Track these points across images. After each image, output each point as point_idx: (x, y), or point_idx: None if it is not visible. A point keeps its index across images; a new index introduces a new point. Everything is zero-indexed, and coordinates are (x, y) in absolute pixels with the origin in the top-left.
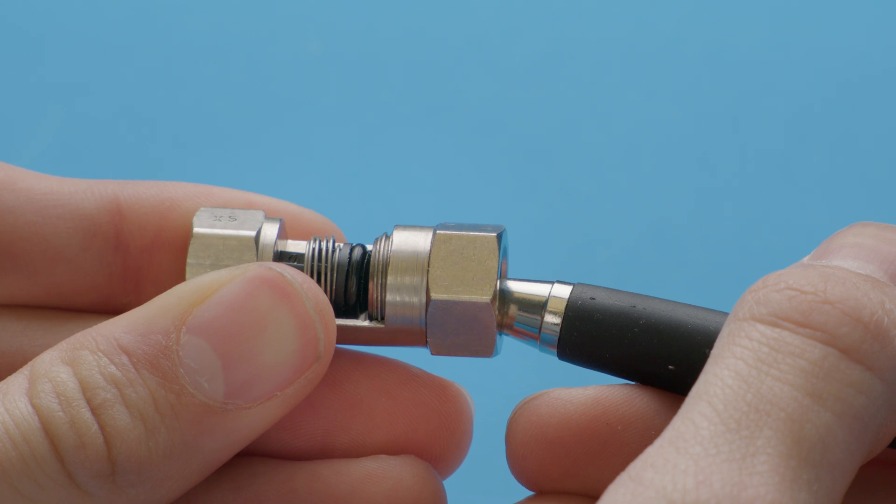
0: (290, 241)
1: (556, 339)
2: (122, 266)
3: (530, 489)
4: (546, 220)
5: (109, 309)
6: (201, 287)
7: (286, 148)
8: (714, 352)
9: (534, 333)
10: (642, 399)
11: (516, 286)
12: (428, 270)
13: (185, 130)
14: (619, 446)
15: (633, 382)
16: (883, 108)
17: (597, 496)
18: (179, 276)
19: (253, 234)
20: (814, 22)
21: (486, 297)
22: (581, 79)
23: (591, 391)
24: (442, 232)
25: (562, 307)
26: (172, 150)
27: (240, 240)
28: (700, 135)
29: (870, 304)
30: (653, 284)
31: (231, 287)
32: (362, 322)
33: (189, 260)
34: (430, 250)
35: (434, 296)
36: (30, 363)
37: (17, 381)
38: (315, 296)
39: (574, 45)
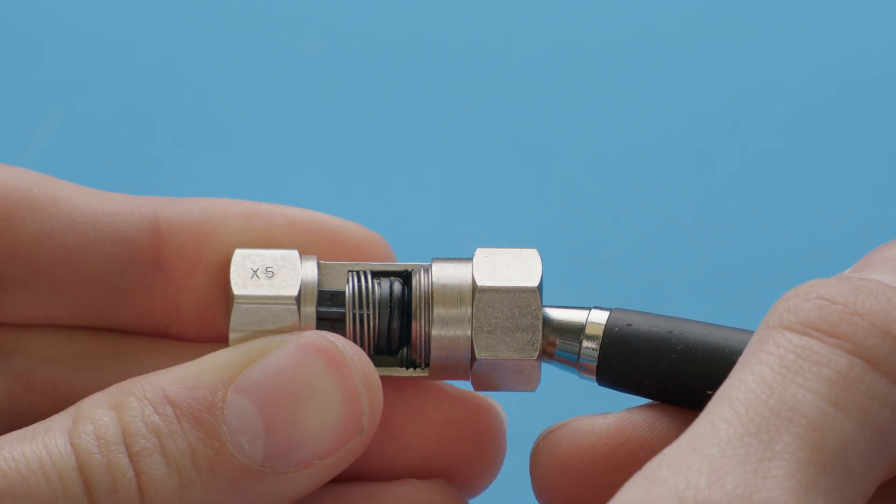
0: (328, 266)
1: (595, 366)
2: (162, 288)
3: None
4: (547, 220)
5: (152, 330)
6: (254, 348)
7: (286, 148)
8: (742, 358)
9: (572, 361)
10: (662, 422)
11: (555, 313)
12: (472, 325)
13: (185, 130)
14: None
15: (655, 403)
16: (883, 108)
17: None
18: (218, 298)
19: (293, 294)
20: (814, 22)
21: (532, 356)
22: (581, 79)
23: (612, 419)
24: (483, 284)
25: (599, 334)
26: (172, 150)
27: (281, 304)
28: (700, 135)
29: None
30: (654, 285)
31: (283, 351)
32: (407, 373)
33: (231, 326)
34: (473, 304)
35: (479, 356)
36: (77, 403)
37: (62, 419)
38: (364, 369)
39: (574, 45)
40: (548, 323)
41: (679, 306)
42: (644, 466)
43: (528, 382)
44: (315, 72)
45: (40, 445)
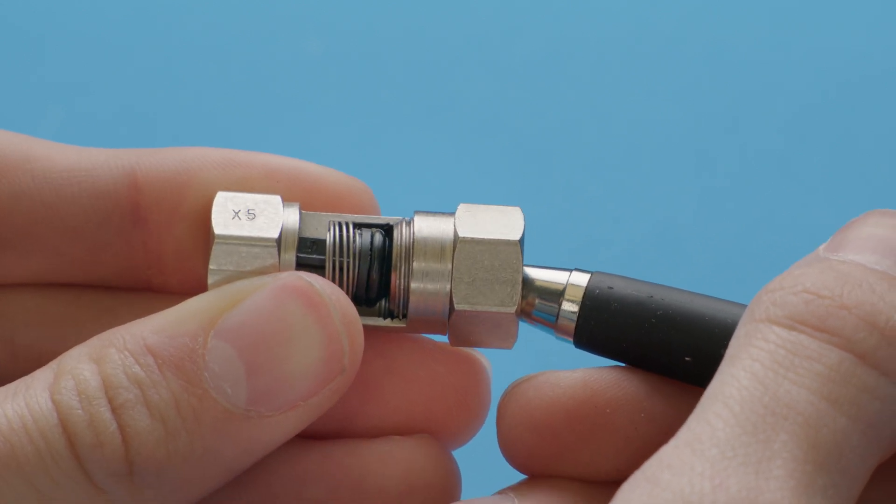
0: (310, 215)
1: (573, 327)
2: (142, 240)
3: (522, 473)
4: (547, 220)
5: (135, 283)
6: (232, 293)
7: (286, 148)
8: (729, 352)
9: (551, 322)
10: (631, 382)
11: (535, 273)
12: (452, 277)
13: (185, 130)
14: (608, 430)
15: (621, 365)
16: (883, 108)
17: (588, 479)
18: (199, 248)
19: (274, 236)
20: (814, 22)
21: (511, 309)
22: (581, 79)
23: (580, 374)
24: (465, 236)
25: (579, 296)
26: None
27: (262, 245)
28: (700, 135)
29: (886, 309)
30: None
31: (261, 294)
32: (384, 322)
33: (211, 266)
34: (453, 256)
35: (458, 307)
36: (59, 357)
37: (43, 375)
38: (343, 308)
39: (574, 45)
40: (528, 283)
41: None
42: (642, 466)
43: (505, 339)
44: (315, 72)
45: (22, 404)
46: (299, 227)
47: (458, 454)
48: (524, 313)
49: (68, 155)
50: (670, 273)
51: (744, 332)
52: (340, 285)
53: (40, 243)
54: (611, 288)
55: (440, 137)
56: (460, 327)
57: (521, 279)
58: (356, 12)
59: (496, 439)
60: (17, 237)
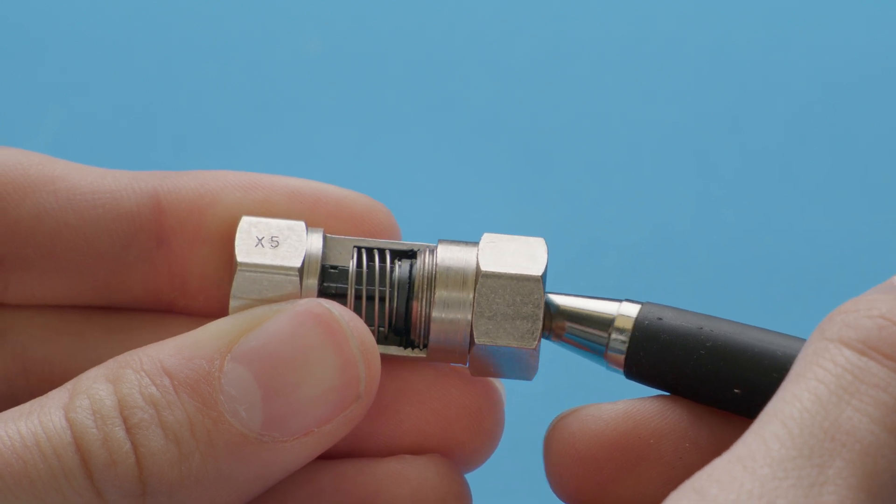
0: (335, 240)
1: (623, 358)
2: (166, 261)
3: None
4: (547, 221)
5: (158, 305)
6: (250, 318)
7: (286, 148)
8: (795, 369)
9: (601, 352)
10: (674, 411)
11: (585, 303)
12: (473, 310)
13: (185, 130)
14: (653, 459)
15: (660, 393)
16: (883, 108)
17: None
18: (222, 270)
19: (297, 265)
20: (814, 22)
21: (531, 345)
22: (581, 79)
23: (622, 406)
24: (487, 270)
25: (629, 326)
26: (172, 150)
27: (284, 273)
28: (701, 136)
29: None
30: (655, 288)
31: (278, 319)
32: (404, 352)
33: (233, 293)
34: (475, 288)
35: (478, 341)
36: (75, 378)
37: (59, 394)
38: (360, 335)
39: (574, 45)
40: (576, 313)
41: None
42: (693, 477)
43: (525, 371)
44: (315, 72)
45: (36, 422)
46: (322, 254)
47: (469, 477)
48: (555, 335)
49: (91, 177)
50: (672, 277)
51: (812, 350)
52: (361, 314)
53: (62, 264)
54: (660, 319)
55: (439, 138)
56: (480, 360)
57: (542, 314)
58: (356, 12)
59: (506, 461)
60: (40, 258)
